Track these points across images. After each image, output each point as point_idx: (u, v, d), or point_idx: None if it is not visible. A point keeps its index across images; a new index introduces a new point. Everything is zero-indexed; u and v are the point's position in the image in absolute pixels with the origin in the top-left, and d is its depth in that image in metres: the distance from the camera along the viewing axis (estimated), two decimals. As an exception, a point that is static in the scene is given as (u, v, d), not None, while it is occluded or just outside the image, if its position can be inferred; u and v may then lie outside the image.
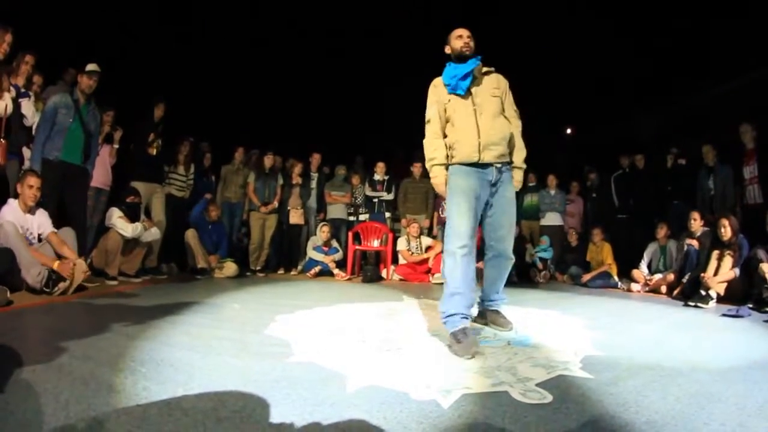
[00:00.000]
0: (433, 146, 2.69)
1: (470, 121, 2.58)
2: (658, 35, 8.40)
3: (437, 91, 2.73)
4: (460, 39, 2.69)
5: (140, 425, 1.19)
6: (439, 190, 2.68)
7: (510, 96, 2.82)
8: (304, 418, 1.27)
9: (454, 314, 2.29)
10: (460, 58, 2.68)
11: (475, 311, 2.77)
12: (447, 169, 2.64)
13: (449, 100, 2.66)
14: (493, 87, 2.70)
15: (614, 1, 8.71)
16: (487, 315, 2.86)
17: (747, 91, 7.28)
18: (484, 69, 2.74)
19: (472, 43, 2.68)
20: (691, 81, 8.16)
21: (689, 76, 8.12)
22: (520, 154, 2.77)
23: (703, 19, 7.46)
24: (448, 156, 2.64)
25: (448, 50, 2.77)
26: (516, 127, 2.77)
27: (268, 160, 6.62)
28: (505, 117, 2.71)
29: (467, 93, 2.64)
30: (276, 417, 1.28)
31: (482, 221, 2.71)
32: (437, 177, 2.65)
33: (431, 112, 2.73)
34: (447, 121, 2.67)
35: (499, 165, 2.60)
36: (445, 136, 2.68)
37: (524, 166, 2.80)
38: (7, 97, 3.95)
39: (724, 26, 7.26)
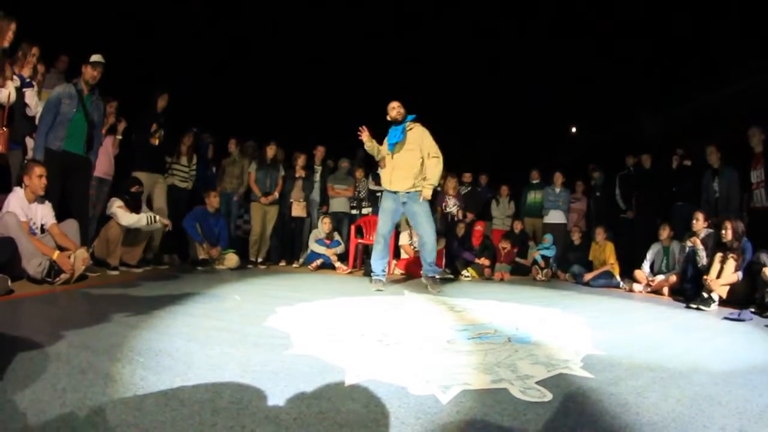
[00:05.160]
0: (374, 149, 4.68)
1: (388, 167, 4.60)
2: (664, 34, 8.33)
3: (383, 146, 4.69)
4: (393, 110, 4.50)
5: (136, 415, 1.19)
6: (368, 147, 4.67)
7: (428, 141, 4.54)
8: (301, 411, 1.27)
9: (376, 273, 4.59)
10: (395, 122, 4.52)
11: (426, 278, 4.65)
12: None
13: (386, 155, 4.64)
14: (410, 142, 4.50)
15: (620, 0, 8.64)
16: (426, 279, 4.57)
17: (755, 93, 7.21)
18: (410, 126, 4.53)
19: (402, 110, 4.50)
20: (698, 81, 8.09)
21: (696, 77, 8.05)
22: (432, 176, 4.50)
23: (709, 19, 7.40)
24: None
25: (388, 117, 4.54)
26: (434, 162, 4.51)
27: (270, 151, 6.60)
28: (422, 159, 4.51)
29: (392, 152, 4.56)
30: (273, 409, 1.28)
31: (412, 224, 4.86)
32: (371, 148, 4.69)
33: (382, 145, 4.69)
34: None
35: (404, 193, 4.51)
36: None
37: (433, 183, 4.54)
38: (10, 86, 3.94)
39: (732, 26, 7.19)
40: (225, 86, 8.94)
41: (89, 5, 6.86)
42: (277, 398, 1.35)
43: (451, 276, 6.25)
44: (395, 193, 4.57)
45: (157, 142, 5.37)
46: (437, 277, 4.72)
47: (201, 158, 6.55)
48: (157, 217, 4.82)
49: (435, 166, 4.53)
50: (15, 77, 4.08)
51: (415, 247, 6.39)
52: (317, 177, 7.12)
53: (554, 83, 9.93)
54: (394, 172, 4.55)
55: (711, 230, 4.87)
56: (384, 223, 4.63)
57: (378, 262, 4.66)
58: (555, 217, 7.53)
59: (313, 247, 6.42)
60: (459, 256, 6.68)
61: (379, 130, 4.64)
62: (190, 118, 6.29)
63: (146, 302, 2.91)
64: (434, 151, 4.55)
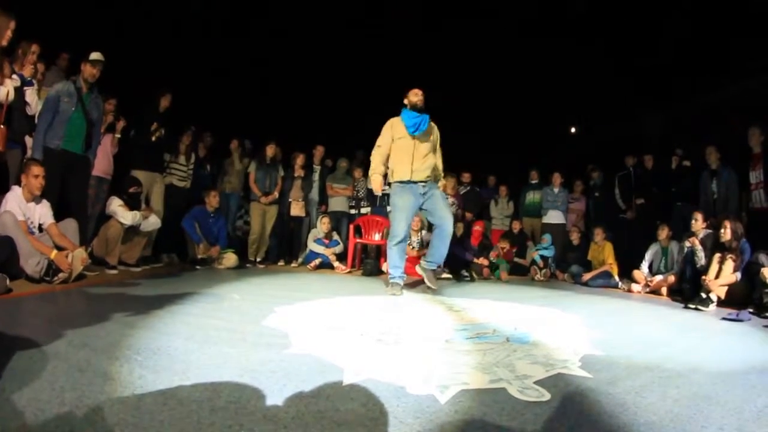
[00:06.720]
0: (376, 163, 4.22)
1: (408, 154, 4.15)
2: (664, 34, 8.33)
3: (393, 128, 4.22)
4: (416, 96, 4.18)
5: (134, 414, 1.19)
6: (376, 189, 4.30)
7: (438, 141, 4.38)
8: (299, 410, 1.27)
9: (394, 276, 4.16)
10: (415, 109, 4.15)
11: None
12: (386, 181, 4.37)
13: (399, 138, 4.17)
14: (429, 135, 4.25)
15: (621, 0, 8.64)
16: (424, 271, 4.32)
17: (755, 93, 7.22)
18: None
19: (423, 99, 4.18)
20: (698, 81, 8.09)
21: (696, 77, 8.05)
22: (439, 172, 4.40)
23: (709, 19, 7.40)
24: (388, 174, 4.29)
25: (406, 101, 4.23)
26: (439, 159, 4.37)
27: (270, 150, 6.59)
28: (434, 153, 4.30)
29: (414, 136, 4.14)
30: (271, 408, 1.27)
31: (427, 216, 4.50)
32: (375, 182, 4.24)
33: (384, 140, 4.24)
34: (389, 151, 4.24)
35: (423, 183, 4.19)
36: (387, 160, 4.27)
37: (440, 179, 4.47)
38: (9, 84, 3.92)
39: (732, 26, 7.19)
40: (224, 86, 8.92)
41: (90, 3, 6.84)
42: (275, 397, 1.35)
43: (450, 276, 6.25)
44: (415, 183, 4.17)
45: (154, 138, 5.35)
46: (437, 271, 4.66)
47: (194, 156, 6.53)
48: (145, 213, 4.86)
49: (439, 165, 4.43)
50: (15, 76, 4.06)
51: (413, 247, 6.40)
52: (316, 176, 7.13)
53: (554, 83, 9.93)
54: (415, 161, 4.14)
55: (710, 231, 4.88)
56: (400, 225, 4.18)
57: (398, 266, 4.23)
58: (554, 217, 7.54)
59: (312, 246, 6.42)
60: (457, 256, 6.67)
61: (379, 129, 4.61)
62: (189, 118, 6.27)
63: (145, 301, 2.91)
64: (439, 150, 4.43)
